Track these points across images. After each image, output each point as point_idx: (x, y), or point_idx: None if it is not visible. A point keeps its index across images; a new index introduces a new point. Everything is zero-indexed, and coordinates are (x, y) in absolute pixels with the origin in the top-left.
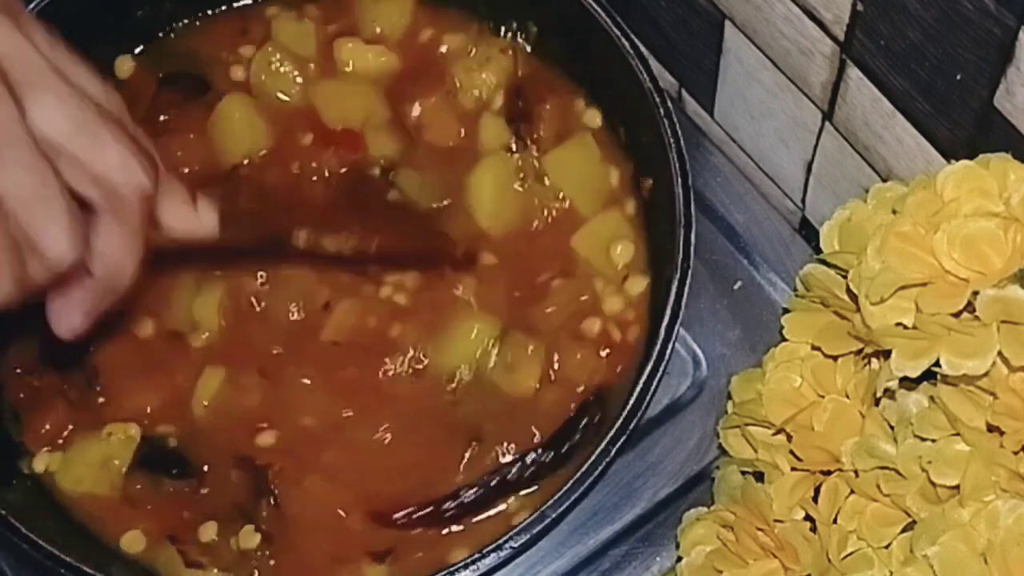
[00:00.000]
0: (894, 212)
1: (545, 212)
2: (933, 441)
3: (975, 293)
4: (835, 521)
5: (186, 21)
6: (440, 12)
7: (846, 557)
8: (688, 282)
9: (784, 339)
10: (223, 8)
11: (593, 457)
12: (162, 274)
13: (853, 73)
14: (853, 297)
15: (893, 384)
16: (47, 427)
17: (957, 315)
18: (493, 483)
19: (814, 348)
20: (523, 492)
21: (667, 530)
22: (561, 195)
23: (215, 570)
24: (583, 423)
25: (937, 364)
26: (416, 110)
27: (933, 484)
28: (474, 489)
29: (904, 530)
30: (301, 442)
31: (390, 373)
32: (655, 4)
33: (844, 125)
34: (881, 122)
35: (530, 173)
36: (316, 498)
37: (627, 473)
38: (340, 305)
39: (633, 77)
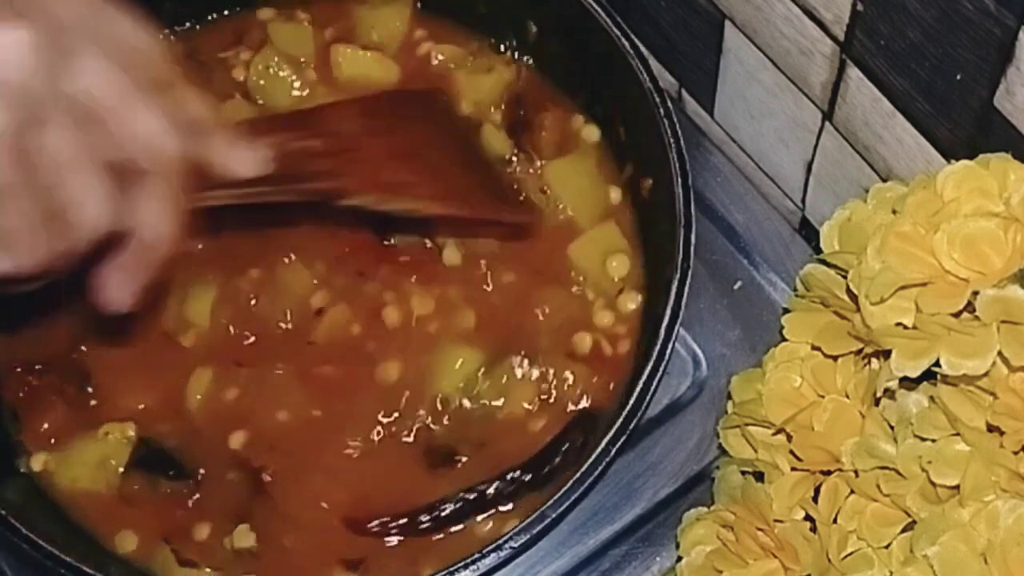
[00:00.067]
0: (894, 212)
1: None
2: (933, 441)
3: (975, 293)
4: (835, 521)
5: (187, 24)
6: (438, 19)
7: (846, 557)
8: (688, 282)
9: (784, 339)
10: (224, 13)
11: (593, 457)
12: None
13: (853, 73)
14: (853, 297)
15: (893, 384)
16: (45, 426)
17: (957, 315)
18: (471, 498)
19: (814, 348)
20: (501, 509)
21: (667, 530)
22: (561, 205)
23: (208, 569)
24: (566, 446)
25: (937, 364)
26: None
27: (933, 484)
28: (451, 503)
29: (904, 530)
30: (293, 444)
31: (381, 394)
32: (655, 4)
33: (844, 125)
34: (881, 122)
35: (530, 183)
36: (306, 502)
37: (627, 473)
38: (333, 311)
39: (633, 77)
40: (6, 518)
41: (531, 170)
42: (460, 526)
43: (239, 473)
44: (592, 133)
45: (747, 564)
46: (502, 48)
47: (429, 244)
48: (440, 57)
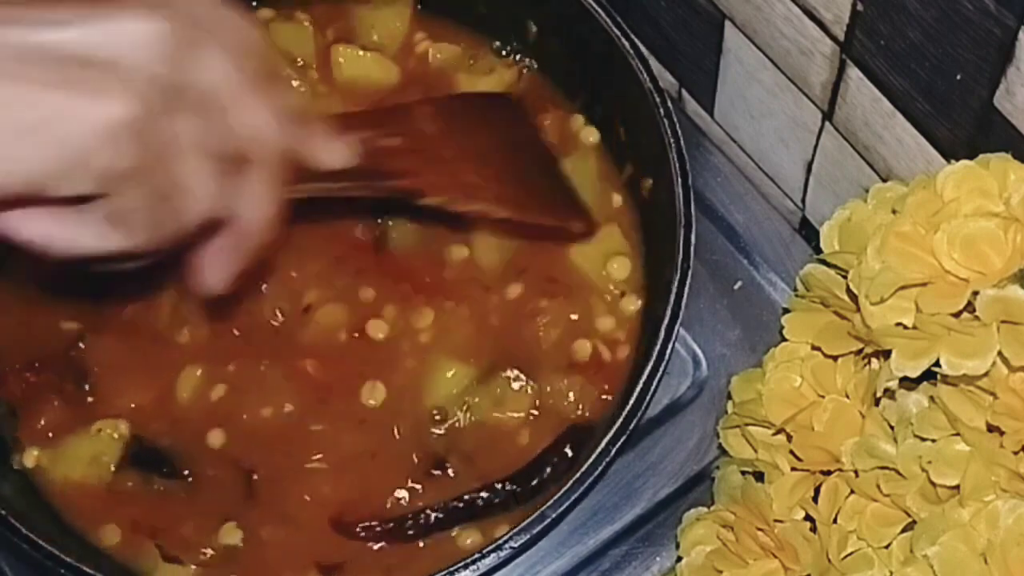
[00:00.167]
0: (894, 212)
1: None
2: (933, 441)
3: (975, 293)
4: (835, 521)
5: None
6: (438, 20)
7: (846, 557)
8: (688, 282)
9: (784, 339)
10: None
11: (593, 457)
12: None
13: (853, 73)
14: (853, 297)
15: (893, 384)
16: (42, 422)
17: (957, 315)
18: (459, 507)
19: (814, 348)
20: (487, 519)
21: (667, 530)
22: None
23: (192, 566)
24: (555, 459)
25: (937, 364)
26: None
27: (933, 484)
28: (438, 511)
29: (904, 530)
30: (284, 445)
31: (372, 400)
32: (655, 4)
33: (844, 125)
34: (881, 122)
35: None
36: (295, 503)
37: (627, 473)
38: (326, 311)
39: (633, 77)
40: (6, 518)
41: None
42: (444, 535)
43: (229, 472)
44: (592, 134)
45: (747, 564)
46: (502, 49)
47: (428, 247)
48: (440, 58)
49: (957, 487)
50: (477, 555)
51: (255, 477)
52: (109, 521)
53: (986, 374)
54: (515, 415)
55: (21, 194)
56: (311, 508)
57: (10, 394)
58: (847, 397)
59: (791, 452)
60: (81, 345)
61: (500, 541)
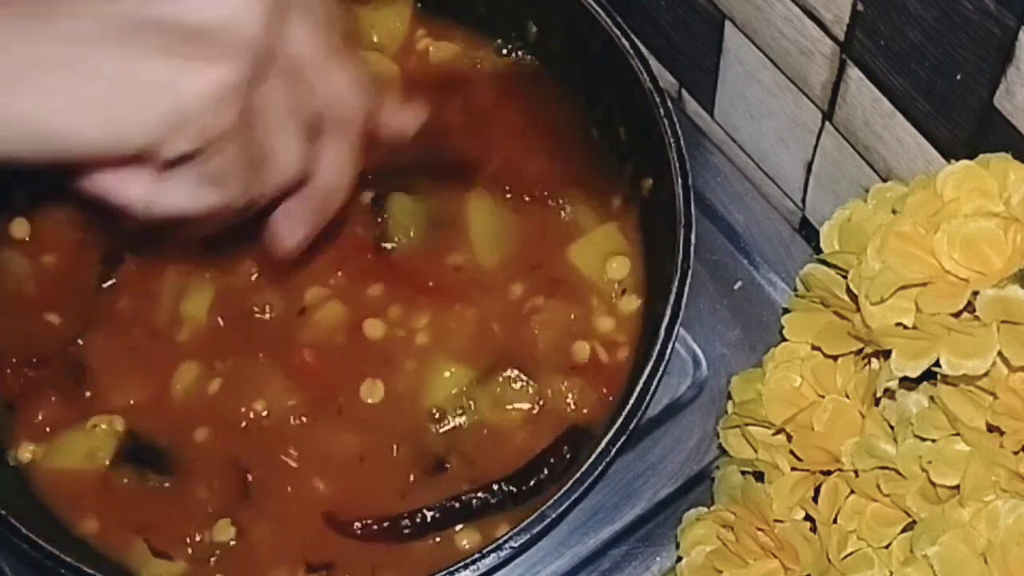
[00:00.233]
0: (894, 212)
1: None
2: (933, 441)
3: (975, 293)
4: (835, 521)
5: None
6: (438, 20)
7: (846, 557)
8: (688, 282)
9: (784, 339)
10: None
11: (593, 457)
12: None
13: (853, 73)
14: (853, 297)
15: (893, 384)
16: (39, 418)
17: (957, 315)
18: (455, 507)
19: (814, 348)
20: (484, 519)
21: (667, 530)
22: (562, 202)
23: (181, 562)
24: (552, 460)
25: (937, 364)
26: None
27: (933, 484)
28: (435, 511)
29: (904, 530)
30: (280, 443)
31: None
32: (655, 4)
33: (844, 125)
34: (881, 122)
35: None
36: (290, 501)
37: (627, 473)
38: (326, 310)
39: (633, 77)
40: (6, 518)
41: None
42: (440, 535)
43: (224, 469)
44: (592, 134)
45: (747, 564)
46: (502, 48)
47: (428, 246)
48: (440, 57)
49: (957, 487)
50: (477, 555)
51: (250, 475)
52: (101, 516)
53: (986, 374)
54: (515, 415)
55: (134, 155)
56: (306, 506)
57: (8, 390)
58: (847, 397)
59: (791, 452)
60: (79, 342)
61: (500, 541)
